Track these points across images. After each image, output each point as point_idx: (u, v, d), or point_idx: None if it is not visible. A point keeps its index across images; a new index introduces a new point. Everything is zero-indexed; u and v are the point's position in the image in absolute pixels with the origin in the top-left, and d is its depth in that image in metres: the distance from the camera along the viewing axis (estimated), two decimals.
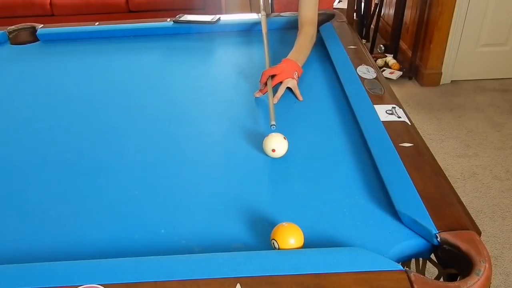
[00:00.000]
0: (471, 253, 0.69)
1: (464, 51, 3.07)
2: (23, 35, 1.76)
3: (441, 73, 3.13)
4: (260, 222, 0.82)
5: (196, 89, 1.35)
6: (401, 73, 3.22)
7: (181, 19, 1.76)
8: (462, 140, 2.57)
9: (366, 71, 1.30)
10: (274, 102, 1.21)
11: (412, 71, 3.23)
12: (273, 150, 0.98)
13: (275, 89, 1.25)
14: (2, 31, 1.74)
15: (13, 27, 1.76)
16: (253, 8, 3.98)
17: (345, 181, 0.93)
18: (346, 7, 3.43)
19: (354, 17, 3.64)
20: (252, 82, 1.37)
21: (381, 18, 3.70)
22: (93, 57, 1.60)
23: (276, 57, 1.47)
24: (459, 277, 0.69)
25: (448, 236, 0.73)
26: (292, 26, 1.74)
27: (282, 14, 1.83)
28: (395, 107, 1.12)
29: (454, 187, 0.86)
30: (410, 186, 0.85)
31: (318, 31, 1.67)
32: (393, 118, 1.07)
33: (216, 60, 1.57)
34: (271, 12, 3.63)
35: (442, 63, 3.10)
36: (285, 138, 1.00)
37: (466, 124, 2.71)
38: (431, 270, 1.59)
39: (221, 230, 0.82)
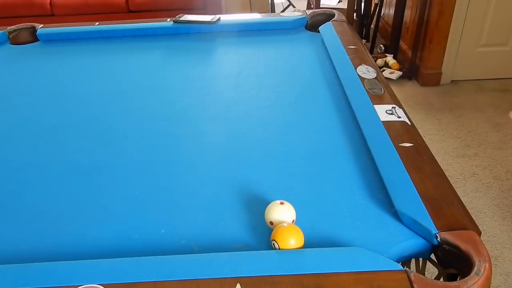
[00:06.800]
0: (471, 253, 0.69)
1: (464, 51, 3.06)
2: (23, 35, 1.76)
3: (441, 73, 3.13)
4: (260, 222, 0.82)
5: (196, 89, 1.35)
6: (401, 73, 3.22)
7: (181, 19, 1.76)
8: (462, 140, 2.56)
9: (366, 71, 1.30)
10: None
11: (412, 71, 3.23)
12: (271, 223, 0.80)
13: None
14: (2, 31, 1.74)
15: (13, 27, 1.76)
16: (253, 8, 3.98)
17: (345, 181, 0.93)
18: (346, 7, 3.44)
19: (354, 17, 3.64)
20: (252, 82, 1.37)
21: (381, 18, 3.70)
22: (93, 57, 1.60)
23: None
24: (459, 277, 0.69)
25: (448, 236, 0.73)
26: (292, 26, 1.75)
27: (282, 14, 1.83)
28: (395, 107, 1.12)
29: (454, 187, 0.86)
30: (410, 186, 0.85)
31: (318, 31, 1.67)
32: (393, 118, 1.07)
33: (216, 60, 1.57)
34: (271, 12, 3.64)
35: (442, 63, 3.09)
36: (284, 204, 0.81)
37: (466, 124, 2.71)
38: (431, 270, 1.59)
39: (221, 230, 0.82)
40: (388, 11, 3.72)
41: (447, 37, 2.98)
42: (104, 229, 0.84)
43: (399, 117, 1.07)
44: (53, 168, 1.02)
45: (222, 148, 1.07)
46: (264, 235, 0.80)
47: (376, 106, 1.12)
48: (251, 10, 3.96)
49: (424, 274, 0.72)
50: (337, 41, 1.52)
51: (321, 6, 3.54)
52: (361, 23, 3.74)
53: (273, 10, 3.85)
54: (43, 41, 1.76)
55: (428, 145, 1.00)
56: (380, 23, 3.69)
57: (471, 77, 3.18)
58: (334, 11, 1.80)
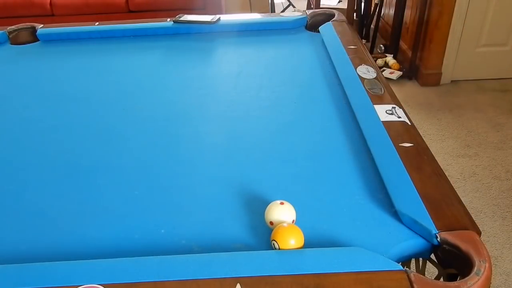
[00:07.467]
0: (471, 253, 0.69)
1: (464, 51, 3.06)
2: (23, 35, 1.76)
3: (441, 73, 3.13)
4: (260, 222, 0.82)
5: (195, 89, 1.35)
6: (401, 73, 3.22)
7: (181, 19, 1.76)
8: (462, 140, 2.56)
9: (366, 71, 1.30)
10: None
11: (412, 71, 3.23)
12: (271, 223, 0.80)
13: None
14: (2, 31, 1.74)
15: (13, 27, 1.76)
16: (253, 8, 3.98)
17: (345, 181, 0.93)
18: (346, 7, 3.44)
19: (354, 17, 3.64)
20: (252, 82, 1.37)
21: (381, 18, 3.70)
22: (93, 57, 1.60)
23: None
24: (459, 277, 0.69)
25: (448, 236, 0.73)
26: (292, 26, 1.75)
27: (282, 14, 1.83)
28: (395, 107, 1.12)
29: (454, 187, 0.86)
30: (410, 186, 0.85)
31: (318, 31, 1.67)
32: (393, 118, 1.07)
33: (216, 60, 1.57)
34: (271, 12, 3.64)
35: (442, 63, 3.09)
36: (284, 204, 0.81)
37: (466, 124, 2.71)
38: (431, 270, 1.59)
39: (221, 230, 0.82)
40: (388, 11, 3.72)
41: (447, 37, 2.98)
42: (104, 229, 0.84)
43: (399, 117, 1.07)
44: (53, 168, 1.02)
45: (222, 148, 1.07)
46: (264, 235, 0.80)
47: (376, 106, 1.12)
48: (251, 10, 3.96)
49: (424, 274, 0.72)
50: (337, 41, 1.52)
51: (321, 6, 3.54)
52: (361, 23, 3.74)
53: (273, 10, 3.85)
54: (43, 41, 1.75)
55: (428, 145, 1.00)
56: (380, 23, 3.69)
57: (471, 77, 3.18)
58: (334, 11, 1.80)
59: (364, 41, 3.70)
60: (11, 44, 1.74)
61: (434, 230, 0.74)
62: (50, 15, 3.61)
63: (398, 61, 3.29)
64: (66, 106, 1.29)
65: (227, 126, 1.16)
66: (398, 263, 0.71)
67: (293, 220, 0.80)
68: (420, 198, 0.82)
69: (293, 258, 0.71)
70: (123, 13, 3.58)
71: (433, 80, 3.15)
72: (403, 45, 3.41)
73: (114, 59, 1.58)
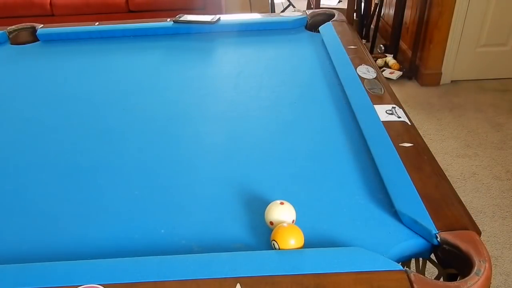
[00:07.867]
0: (471, 253, 0.69)
1: (464, 51, 3.06)
2: (23, 35, 1.76)
3: (441, 73, 3.13)
4: (260, 222, 0.82)
5: (195, 89, 1.35)
6: (401, 73, 3.22)
7: (181, 19, 1.76)
8: (462, 140, 2.56)
9: (366, 71, 1.30)
10: None
11: (412, 71, 3.23)
12: (271, 223, 0.80)
13: None
14: (2, 31, 1.74)
15: (13, 27, 1.76)
16: (253, 8, 3.98)
17: (345, 181, 0.93)
18: (346, 7, 3.44)
19: (354, 17, 3.64)
20: (252, 82, 1.37)
21: (381, 18, 3.70)
22: (93, 57, 1.60)
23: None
24: (459, 277, 0.69)
25: (448, 236, 0.73)
26: (292, 26, 1.75)
27: (282, 14, 1.83)
28: (395, 107, 1.12)
29: (454, 187, 0.86)
30: (410, 186, 0.85)
31: (318, 31, 1.67)
32: (393, 118, 1.07)
33: (216, 60, 1.57)
34: (271, 12, 3.64)
35: (442, 63, 3.09)
36: (284, 204, 0.81)
37: (466, 124, 2.71)
38: (431, 270, 1.59)
39: (221, 230, 0.82)
40: (388, 11, 3.72)
41: (447, 37, 2.99)
42: (105, 229, 0.84)
43: (399, 117, 1.07)
44: (53, 168, 1.02)
45: (222, 148, 1.07)
46: (264, 235, 0.80)
47: (376, 106, 1.12)
48: (251, 10, 3.96)
49: (424, 274, 0.72)
50: (337, 41, 1.52)
51: (321, 6, 3.54)
52: (361, 23, 3.74)
53: (273, 10, 3.85)
54: (43, 41, 1.75)
55: (428, 145, 1.00)
56: (380, 23, 3.69)
57: (471, 77, 3.18)
58: (334, 11, 1.80)
59: (364, 41, 3.70)
60: (11, 44, 1.74)
61: (434, 230, 0.74)
62: (50, 15, 3.61)
63: (398, 61, 3.29)
64: (66, 106, 1.29)
65: (227, 126, 1.16)
66: (398, 263, 0.71)
67: (293, 220, 0.80)
68: (420, 198, 0.82)
69: (293, 258, 0.71)
70: (123, 13, 3.58)
71: (433, 80, 3.15)
72: (403, 45, 3.41)
73: (114, 59, 1.58)
